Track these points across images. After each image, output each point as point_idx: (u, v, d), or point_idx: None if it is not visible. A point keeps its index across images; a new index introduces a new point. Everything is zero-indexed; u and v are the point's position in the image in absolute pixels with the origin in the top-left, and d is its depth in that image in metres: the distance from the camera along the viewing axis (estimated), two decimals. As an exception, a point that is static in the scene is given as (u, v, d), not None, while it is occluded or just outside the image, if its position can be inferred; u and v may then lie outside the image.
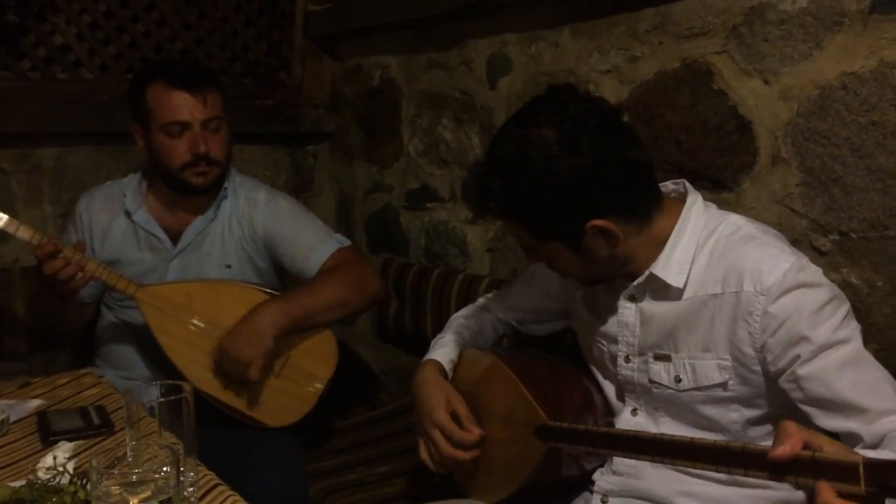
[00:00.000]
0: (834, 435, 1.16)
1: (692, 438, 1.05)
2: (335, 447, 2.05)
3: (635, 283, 1.30)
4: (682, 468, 1.20)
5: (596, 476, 1.41)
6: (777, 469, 0.90)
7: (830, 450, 0.89)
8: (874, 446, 1.10)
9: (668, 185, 1.35)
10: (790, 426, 0.90)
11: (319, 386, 1.88)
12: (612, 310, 1.37)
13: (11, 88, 2.25)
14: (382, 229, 2.71)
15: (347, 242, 2.00)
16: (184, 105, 1.81)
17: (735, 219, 1.29)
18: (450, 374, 1.53)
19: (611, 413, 1.43)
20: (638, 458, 1.16)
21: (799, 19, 1.50)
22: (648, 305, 1.32)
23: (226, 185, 1.97)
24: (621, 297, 1.34)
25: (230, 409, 1.81)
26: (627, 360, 1.36)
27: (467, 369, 1.54)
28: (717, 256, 1.25)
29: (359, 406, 2.47)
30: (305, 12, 2.76)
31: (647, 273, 1.28)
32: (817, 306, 1.15)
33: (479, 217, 1.13)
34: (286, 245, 1.96)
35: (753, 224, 1.28)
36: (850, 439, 1.13)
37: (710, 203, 1.33)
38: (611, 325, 1.37)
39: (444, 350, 1.55)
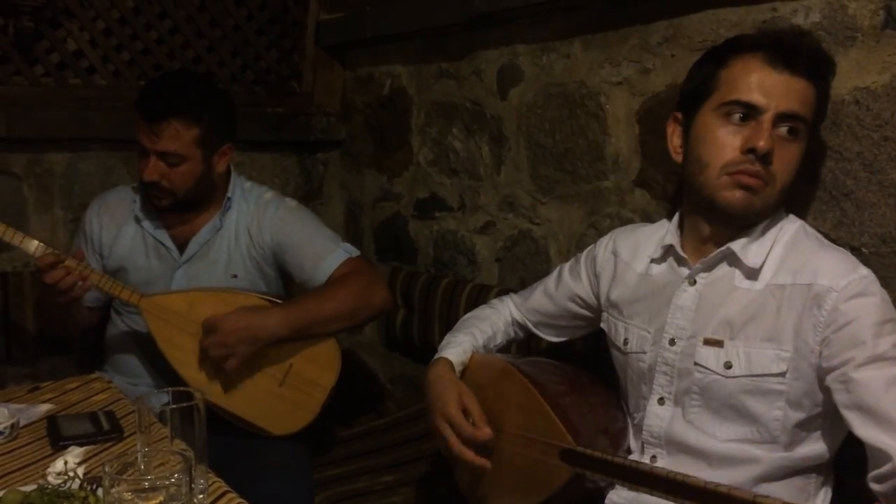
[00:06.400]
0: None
1: (729, 488, 1.09)
2: (341, 456, 2.04)
3: (706, 258, 1.33)
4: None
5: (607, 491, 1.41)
6: None
7: None
8: None
9: None
10: None
11: (323, 394, 1.88)
12: (668, 293, 1.38)
13: (24, 94, 2.26)
14: (391, 238, 2.71)
15: (356, 252, 1.98)
16: (142, 131, 1.81)
17: (794, 217, 1.36)
18: (458, 377, 1.52)
19: (630, 419, 1.44)
20: (665, 499, 1.18)
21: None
22: (708, 290, 1.33)
23: (229, 195, 1.97)
24: (684, 282, 1.36)
25: (233, 417, 1.81)
26: (672, 342, 1.35)
27: (478, 374, 1.53)
28: (789, 249, 1.29)
29: (365, 415, 2.46)
30: (317, 21, 2.78)
31: (724, 247, 1.31)
32: (884, 318, 1.18)
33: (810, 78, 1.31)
34: (294, 253, 1.95)
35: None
36: (878, 456, 1.14)
37: None
38: (661, 309, 1.38)
39: (456, 350, 1.54)
